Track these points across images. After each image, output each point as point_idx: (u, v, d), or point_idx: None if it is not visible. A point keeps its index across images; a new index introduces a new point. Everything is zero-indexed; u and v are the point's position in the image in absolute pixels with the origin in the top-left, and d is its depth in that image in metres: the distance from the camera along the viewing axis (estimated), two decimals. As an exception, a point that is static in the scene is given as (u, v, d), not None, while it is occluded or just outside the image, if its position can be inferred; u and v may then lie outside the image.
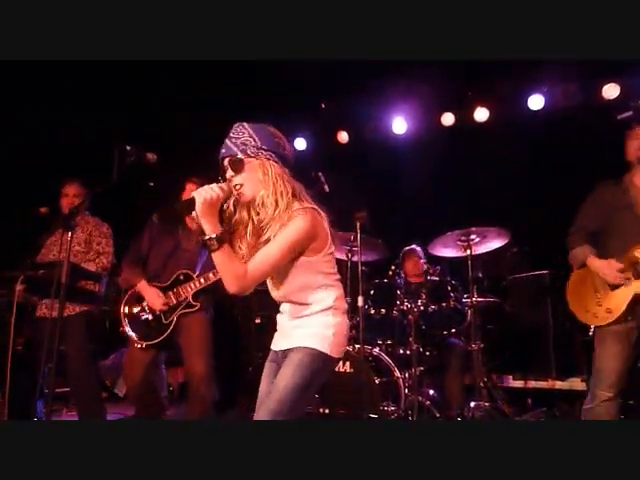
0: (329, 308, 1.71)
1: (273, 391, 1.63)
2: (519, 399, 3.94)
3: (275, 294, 1.78)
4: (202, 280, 2.92)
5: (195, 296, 2.94)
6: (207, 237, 1.56)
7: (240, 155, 1.65)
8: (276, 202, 1.63)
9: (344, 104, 5.36)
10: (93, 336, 3.31)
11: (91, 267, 3.26)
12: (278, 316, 1.85)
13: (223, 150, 1.69)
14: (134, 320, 3.02)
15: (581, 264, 2.51)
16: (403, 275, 4.14)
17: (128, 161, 2.35)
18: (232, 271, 1.58)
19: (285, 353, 1.72)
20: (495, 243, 3.60)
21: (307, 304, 1.71)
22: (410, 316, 3.60)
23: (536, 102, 4.78)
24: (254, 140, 1.67)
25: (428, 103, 5.24)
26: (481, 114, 5.00)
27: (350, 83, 4.78)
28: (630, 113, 2.17)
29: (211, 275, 2.88)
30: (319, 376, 1.68)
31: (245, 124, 1.70)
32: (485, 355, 3.59)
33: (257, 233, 1.68)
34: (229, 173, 1.67)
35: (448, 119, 5.13)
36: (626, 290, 2.34)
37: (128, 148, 2.36)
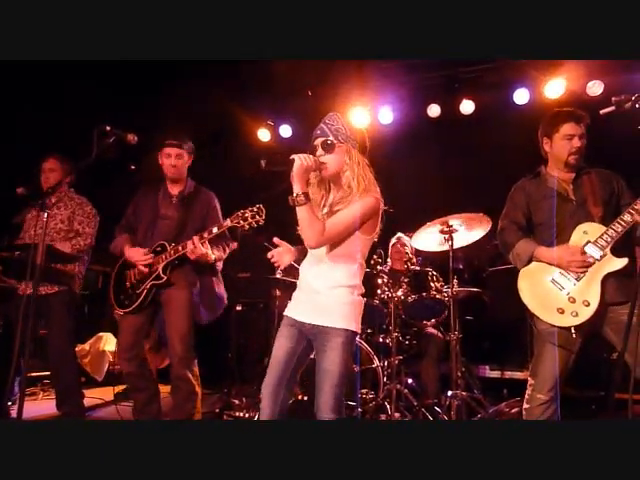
0: (355, 286, 1.91)
1: (328, 376, 1.81)
2: (495, 389, 4.01)
3: (322, 250, 1.93)
4: (172, 252, 2.78)
5: (164, 269, 2.81)
6: (296, 194, 1.79)
7: (332, 139, 1.91)
8: (358, 184, 1.89)
9: (330, 92, 5.31)
10: (74, 317, 3.27)
11: (67, 248, 3.21)
12: (302, 282, 1.99)
13: (318, 132, 1.96)
14: (117, 287, 3.00)
15: (528, 260, 2.30)
16: (388, 263, 4.16)
17: (107, 142, 2.31)
18: (313, 226, 1.81)
19: (317, 328, 1.88)
20: (477, 232, 3.50)
21: (339, 270, 1.89)
22: (391, 305, 3.62)
23: (521, 96, 4.80)
24: (345, 129, 1.95)
25: (415, 94, 5.23)
26: (467, 106, 5.01)
27: (336, 71, 4.73)
28: (612, 108, 2.18)
29: (179, 248, 2.75)
30: (353, 351, 1.93)
31: (339, 114, 1.99)
32: (463, 345, 3.62)
33: (330, 208, 1.95)
34: (319, 152, 1.92)
35: (434, 110, 5.13)
36: (594, 274, 2.16)
37: (108, 128, 2.32)
